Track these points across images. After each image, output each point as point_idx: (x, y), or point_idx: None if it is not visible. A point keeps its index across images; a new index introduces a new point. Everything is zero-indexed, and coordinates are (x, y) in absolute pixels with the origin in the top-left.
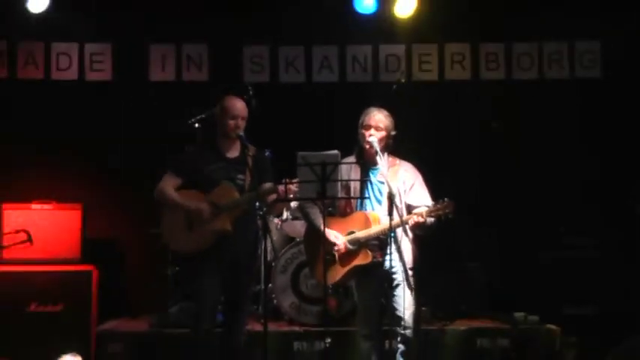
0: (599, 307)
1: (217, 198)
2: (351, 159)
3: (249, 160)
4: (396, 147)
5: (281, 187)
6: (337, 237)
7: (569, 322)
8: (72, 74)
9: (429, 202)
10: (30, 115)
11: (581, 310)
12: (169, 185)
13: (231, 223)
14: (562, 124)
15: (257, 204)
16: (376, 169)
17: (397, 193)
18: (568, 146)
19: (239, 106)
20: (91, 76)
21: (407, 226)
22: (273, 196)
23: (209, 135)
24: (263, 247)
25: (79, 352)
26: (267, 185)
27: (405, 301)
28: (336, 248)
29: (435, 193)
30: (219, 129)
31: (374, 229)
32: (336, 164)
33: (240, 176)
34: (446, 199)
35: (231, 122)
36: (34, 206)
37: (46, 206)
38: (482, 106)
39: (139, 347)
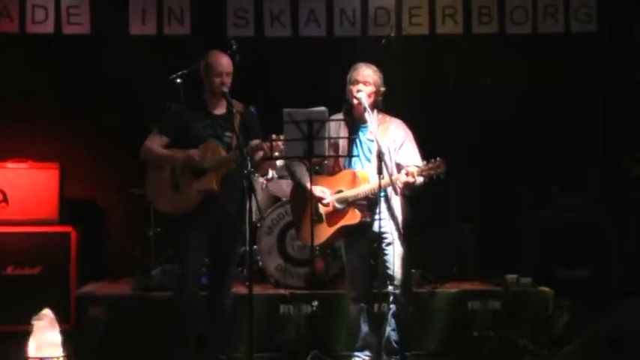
0: (592, 269)
1: (204, 155)
2: (340, 116)
3: (236, 117)
4: (385, 104)
5: (267, 145)
6: (324, 191)
7: (562, 285)
8: (48, 27)
9: (419, 161)
10: (4, 71)
11: (575, 272)
12: (155, 143)
13: (218, 182)
14: (557, 79)
15: (243, 162)
16: (365, 127)
17: (387, 151)
18: (563, 102)
19: (224, 61)
20: (68, 30)
21: (397, 185)
22: (260, 154)
23: (192, 91)
24: (248, 207)
25: (57, 314)
26: (255, 142)
27: (395, 260)
28: (324, 202)
29: (425, 151)
30: (205, 86)
31: (362, 188)
32: (323, 121)
33: (227, 133)
34: (438, 158)
35: (217, 79)
36: (9, 165)
37: (22, 165)
38: (475, 62)
39: (121, 311)
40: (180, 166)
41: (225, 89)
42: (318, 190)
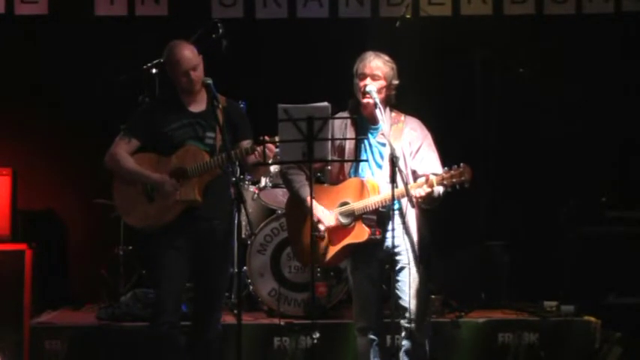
0: None
1: (182, 161)
2: (345, 114)
3: (220, 114)
4: (399, 99)
5: (260, 147)
6: (323, 217)
7: (612, 314)
8: None
9: (439, 168)
10: None
11: (627, 299)
12: (123, 150)
13: (200, 192)
14: (605, 69)
15: (230, 168)
16: (376, 129)
17: (401, 156)
18: (612, 96)
19: (185, 56)
20: (22, 10)
21: (413, 196)
22: (253, 158)
23: (169, 83)
24: (236, 221)
25: (8, 349)
26: (245, 144)
27: (411, 288)
28: (322, 228)
29: (446, 155)
30: (176, 84)
31: (372, 200)
32: (325, 119)
33: (209, 134)
34: (462, 164)
35: (183, 79)
36: None
37: None
38: (508, 48)
39: (83, 345)
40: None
41: (209, 80)
42: (319, 211)
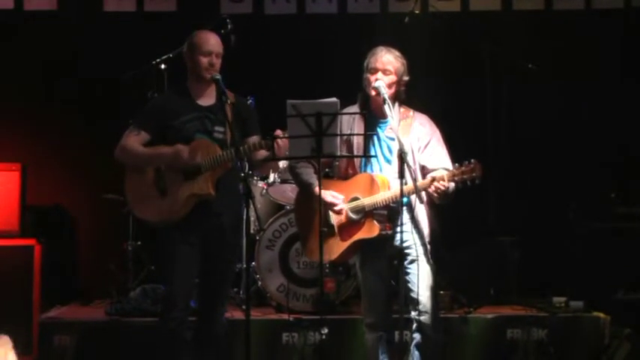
0: None
1: (194, 155)
2: (354, 109)
3: (229, 109)
4: (408, 95)
5: (271, 142)
6: (336, 196)
7: (621, 310)
8: (7, 2)
9: (448, 163)
10: None
11: (636, 295)
12: (133, 141)
13: (214, 186)
14: (616, 64)
15: (239, 164)
16: (385, 122)
17: (410, 151)
18: (622, 91)
19: (212, 40)
20: (31, 5)
21: (422, 192)
22: (263, 153)
23: (178, 79)
24: (245, 216)
25: (17, 344)
26: (255, 139)
27: (421, 281)
28: (336, 208)
29: (456, 151)
30: (190, 71)
31: (382, 195)
32: (334, 115)
33: (218, 128)
34: (472, 160)
35: (204, 60)
36: None
37: None
38: (517, 44)
39: (92, 340)
40: (165, 166)
41: (218, 76)
42: (328, 196)
